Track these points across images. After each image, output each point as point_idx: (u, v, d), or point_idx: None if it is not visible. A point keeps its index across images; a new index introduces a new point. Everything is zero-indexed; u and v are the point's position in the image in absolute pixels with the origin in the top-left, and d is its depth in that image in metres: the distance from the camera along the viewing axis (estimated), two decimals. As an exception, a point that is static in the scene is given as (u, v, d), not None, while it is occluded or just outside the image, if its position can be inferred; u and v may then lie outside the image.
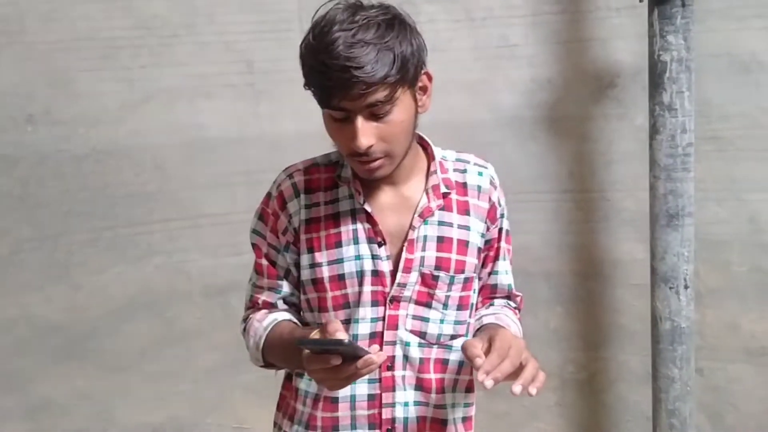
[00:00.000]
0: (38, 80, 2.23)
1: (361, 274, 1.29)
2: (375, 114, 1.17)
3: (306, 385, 1.36)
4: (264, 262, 1.38)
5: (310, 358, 1.07)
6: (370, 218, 1.30)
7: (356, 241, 1.30)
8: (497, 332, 1.17)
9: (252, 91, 2.41)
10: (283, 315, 1.36)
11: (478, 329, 1.37)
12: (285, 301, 1.39)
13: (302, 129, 2.44)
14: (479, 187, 1.37)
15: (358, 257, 1.29)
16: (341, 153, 1.28)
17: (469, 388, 1.38)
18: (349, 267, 1.29)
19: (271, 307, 1.39)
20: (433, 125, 2.37)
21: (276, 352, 1.31)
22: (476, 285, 1.39)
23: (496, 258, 1.43)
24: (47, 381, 2.30)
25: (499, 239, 1.42)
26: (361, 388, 1.30)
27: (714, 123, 2.25)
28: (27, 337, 2.28)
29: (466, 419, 1.38)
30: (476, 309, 1.42)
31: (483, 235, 1.38)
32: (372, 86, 1.13)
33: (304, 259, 1.32)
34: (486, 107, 2.46)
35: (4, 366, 2.28)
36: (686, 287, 2.10)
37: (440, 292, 1.32)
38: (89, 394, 2.33)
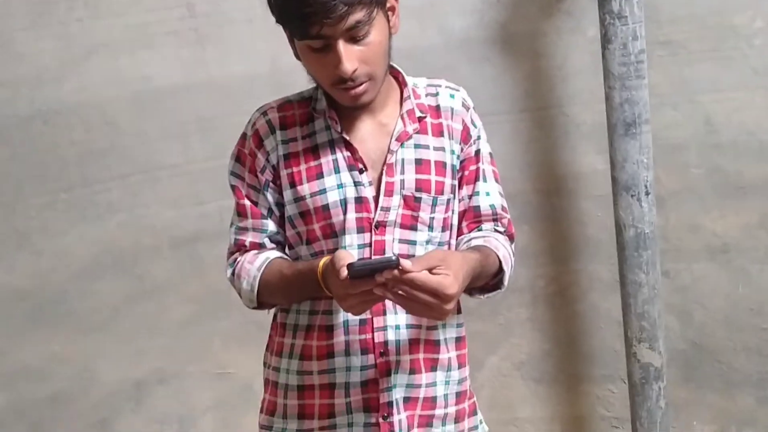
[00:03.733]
0: (-29, 43, 2.15)
1: (344, 202, 1.31)
2: (354, 37, 1.20)
3: (294, 319, 1.37)
4: (246, 202, 1.38)
5: (355, 283, 1.10)
6: (349, 146, 1.32)
7: (337, 170, 1.32)
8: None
9: (195, 36, 2.34)
10: (273, 253, 1.37)
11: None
12: (271, 240, 1.39)
13: (251, 71, 2.39)
14: (452, 110, 1.39)
15: (340, 186, 1.31)
16: (322, 85, 1.29)
17: (457, 309, 1.41)
18: (332, 196, 1.31)
19: (259, 247, 1.39)
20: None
21: (277, 289, 1.33)
22: (455, 206, 1.40)
23: (475, 179, 1.42)
24: (21, 348, 2.28)
25: (477, 161, 1.42)
26: None
27: (664, 27, 2.25)
28: (-6, 307, 2.25)
29: (459, 339, 1.40)
30: (461, 233, 1.42)
31: (458, 156, 1.39)
32: (351, 6, 1.16)
33: (288, 195, 1.34)
34: (436, 31, 2.42)
35: (-25, 338, 2.26)
36: (647, 193, 2.13)
37: (424, 214, 1.33)
38: (66, 356, 2.32)
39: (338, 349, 1.33)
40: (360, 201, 1.31)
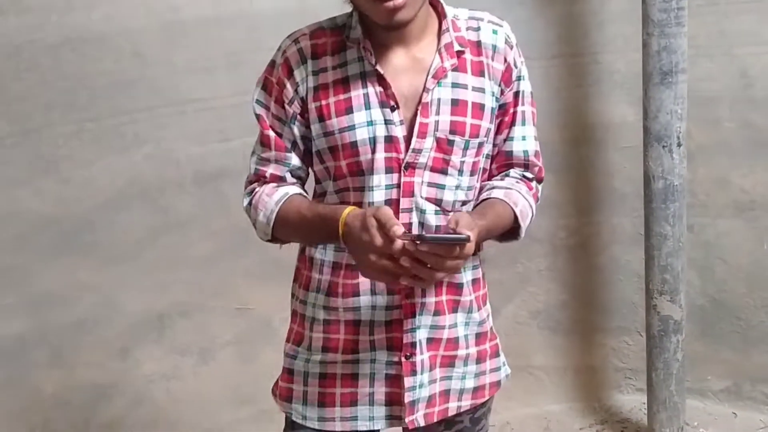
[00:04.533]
0: (1, -33, 2.11)
1: (373, 141, 1.25)
2: None
3: (321, 254, 1.35)
4: (270, 133, 1.33)
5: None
6: (382, 81, 1.25)
7: (368, 106, 1.25)
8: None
9: (226, -34, 2.30)
10: (293, 189, 1.33)
11: (482, 200, 1.33)
12: (293, 175, 1.35)
13: (280, 5, 2.35)
14: (494, 47, 1.30)
15: (370, 123, 1.25)
16: (361, 1, 1.20)
17: (475, 251, 1.36)
18: (361, 134, 1.25)
19: (279, 180, 1.35)
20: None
21: (293, 227, 1.30)
22: (487, 150, 1.34)
23: (512, 123, 1.34)
24: (47, 275, 2.29)
25: (516, 103, 1.34)
26: None
27: (706, -25, 2.20)
28: (21, 232, 2.26)
29: (475, 281, 1.38)
30: (490, 177, 1.38)
31: (497, 99, 1.31)
32: None
33: (316, 129, 1.28)
34: (470, -29, 2.37)
35: (0, 263, 2.28)
36: (679, 145, 2.10)
37: (455, 158, 1.27)
38: (91, 285, 2.34)
39: (364, 288, 1.31)
40: (390, 140, 1.25)
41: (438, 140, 1.26)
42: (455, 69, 1.26)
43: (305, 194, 1.35)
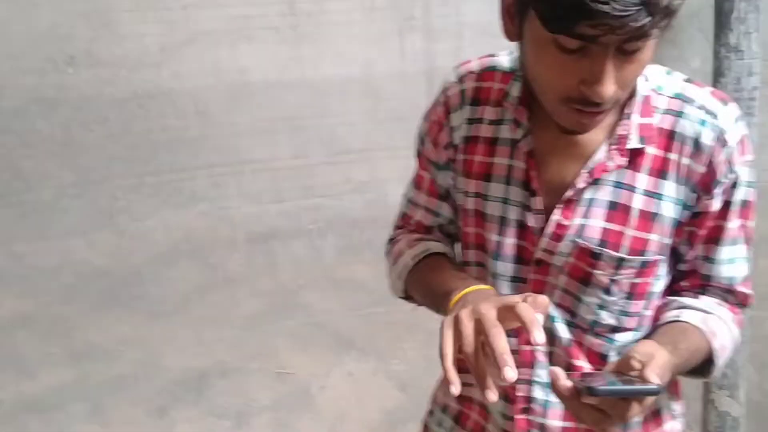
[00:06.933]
0: (78, 20, 2.17)
1: (503, 221, 1.04)
2: (626, 51, 0.86)
3: None
4: (426, 174, 1.14)
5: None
6: (529, 158, 1.02)
7: (508, 181, 1.04)
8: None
9: (294, 34, 2.34)
10: (436, 246, 1.13)
11: (669, 322, 1.03)
12: (442, 229, 1.16)
13: (344, 73, 2.38)
14: (696, 143, 0.97)
15: (505, 200, 1.04)
16: (546, 94, 0.93)
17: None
18: (492, 207, 1.05)
19: (425, 231, 1.17)
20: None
21: (420, 293, 1.10)
22: (663, 271, 1.03)
23: (715, 241, 1.03)
24: (92, 327, 2.29)
25: (720, 216, 1.01)
26: None
27: (776, 66, 2.18)
28: (71, 283, 2.27)
29: (653, 414, 1.08)
30: (679, 288, 1.08)
31: (687, 206, 0.99)
32: (654, 18, 0.81)
33: (457, 181, 1.09)
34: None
35: (49, 312, 2.28)
36: (745, 235, 2.05)
37: (602, 275, 1.00)
38: (134, 340, 2.33)
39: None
40: (523, 227, 1.03)
41: (580, 249, 0.99)
42: (624, 166, 0.98)
43: (449, 253, 1.14)
